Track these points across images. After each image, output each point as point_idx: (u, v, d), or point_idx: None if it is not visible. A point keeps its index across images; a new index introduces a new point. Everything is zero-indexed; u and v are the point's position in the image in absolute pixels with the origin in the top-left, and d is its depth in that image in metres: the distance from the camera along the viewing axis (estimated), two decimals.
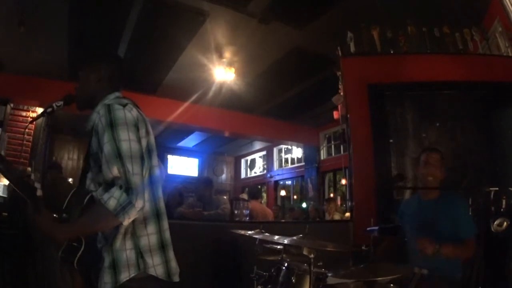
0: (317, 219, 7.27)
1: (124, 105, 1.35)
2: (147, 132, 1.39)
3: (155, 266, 1.33)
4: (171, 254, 1.40)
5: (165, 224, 1.42)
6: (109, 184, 1.27)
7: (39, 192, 1.38)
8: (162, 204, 1.43)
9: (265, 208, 5.99)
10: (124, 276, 1.28)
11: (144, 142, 1.35)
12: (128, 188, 1.22)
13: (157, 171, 1.42)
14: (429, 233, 2.18)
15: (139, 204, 1.23)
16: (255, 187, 10.64)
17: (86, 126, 1.45)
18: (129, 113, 1.33)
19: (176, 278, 1.38)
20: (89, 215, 1.28)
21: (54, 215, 1.37)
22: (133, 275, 1.29)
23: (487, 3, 4.15)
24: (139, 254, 1.32)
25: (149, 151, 1.39)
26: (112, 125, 1.28)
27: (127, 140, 1.28)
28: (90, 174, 1.40)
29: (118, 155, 1.25)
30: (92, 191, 1.35)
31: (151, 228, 1.36)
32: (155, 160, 1.42)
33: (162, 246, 1.37)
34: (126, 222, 1.23)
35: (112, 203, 1.20)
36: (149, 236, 1.34)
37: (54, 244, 1.33)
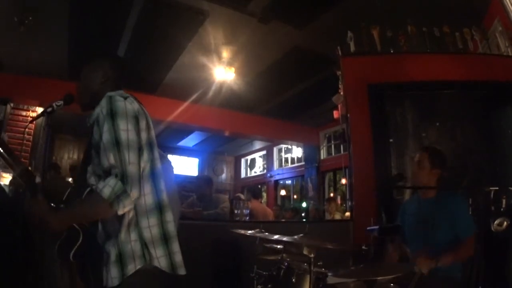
0: (319, 219, 7.27)
1: (125, 98, 1.38)
2: (148, 126, 1.40)
3: (158, 257, 1.33)
4: (175, 247, 1.39)
5: (168, 216, 1.40)
6: (107, 174, 1.28)
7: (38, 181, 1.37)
8: (164, 197, 1.42)
9: (265, 207, 5.99)
10: (131, 268, 1.28)
11: (144, 135, 1.37)
12: (123, 177, 1.23)
13: (159, 165, 1.42)
14: (427, 232, 2.19)
15: (134, 194, 1.24)
16: (256, 187, 10.62)
17: (88, 121, 1.46)
18: (130, 105, 1.35)
19: (181, 271, 1.38)
20: (84, 203, 1.29)
21: (52, 204, 1.36)
22: (139, 266, 1.29)
23: (487, 3, 4.15)
24: (144, 245, 1.32)
25: (150, 144, 1.40)
26: (112, 114, 1.30)
27: (125, 130, 1.30)
28: (91, 166, 1.39)
29: (116, 144, 1.27)
30: (92, 184, 1.34)
31: (153, 220, 1.36)
32: (156, 153, 1.42)
33: (164, 238, 1.36)
34: (121, 211, 1.23)
35: (106, 191, 1.21)
36: (151, 228, 1.34)
37: (53, 243, 1.32)
